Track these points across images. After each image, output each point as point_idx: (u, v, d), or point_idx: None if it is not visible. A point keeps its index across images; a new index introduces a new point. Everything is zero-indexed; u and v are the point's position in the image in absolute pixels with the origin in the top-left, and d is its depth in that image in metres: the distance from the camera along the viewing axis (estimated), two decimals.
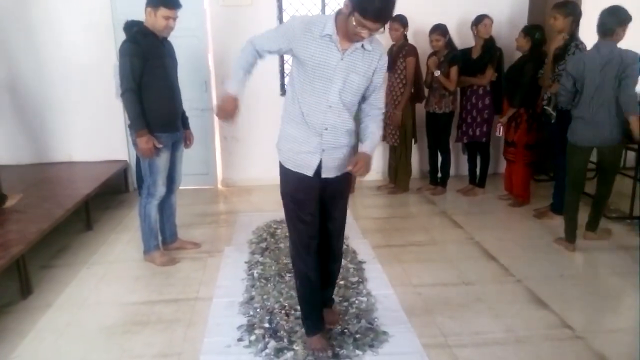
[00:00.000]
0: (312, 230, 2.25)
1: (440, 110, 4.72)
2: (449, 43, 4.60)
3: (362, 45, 2.03)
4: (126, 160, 5.09)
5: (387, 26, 2.03)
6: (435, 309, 2.77)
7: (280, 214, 4.26)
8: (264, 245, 3.63)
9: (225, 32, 5.02)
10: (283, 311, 2.70)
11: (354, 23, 1.90)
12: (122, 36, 3.15)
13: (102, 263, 3.47)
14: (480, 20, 4.52)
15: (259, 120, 5.23)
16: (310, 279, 2.29)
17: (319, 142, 2.13)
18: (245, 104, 5.12)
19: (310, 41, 2.02)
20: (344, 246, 3.51)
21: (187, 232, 3.87)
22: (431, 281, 3.11)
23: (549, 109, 4.01)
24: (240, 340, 2.48)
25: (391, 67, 4.71)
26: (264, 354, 2.36)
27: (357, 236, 3.82)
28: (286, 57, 5.22)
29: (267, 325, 2.58)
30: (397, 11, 4.63)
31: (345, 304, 2.78)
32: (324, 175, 2.18)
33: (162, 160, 3.23)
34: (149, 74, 3.07)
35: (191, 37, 4.85)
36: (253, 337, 2.48)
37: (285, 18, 5.12)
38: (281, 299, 2.83)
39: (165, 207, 3.49)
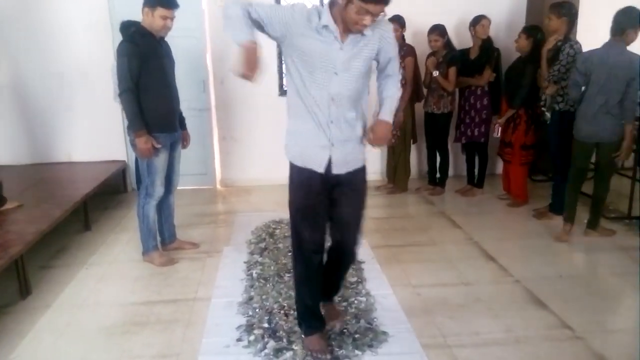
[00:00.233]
0: (316, 244, 2.20)
1: (439, 110, 4.72)
2: (448, 44, 4.61)
3: (362, 33, 1.96)
4: (125, 161, 5.08)
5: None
6: (434, 309, 2.77)
7: (279, 214, 4.30)
8: (262, 245, 3.63)
9: (223, 32, 5.00)
10: (282, 311, 2.70)
11: (355, 11, 1.83)
12: (121, 36, 3.15)
13: (101, 263, 3.46)
14: (478, 21, 4.52)
15: (257, 121, 5.23)
16: (310, 279, 2.28)
17: (327, 136, 2.06)
18: (243, 105, 5.18)
19: (310, 32, 1.96)
20: None
21: (186, 232, 3.87)
22: (430, 281, 3.12)
23: (544, 110, 4.02)
24: (239, 340, 2.48)
25: None
26: (263, 354, 2.35)
27: None
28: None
29: (266, 325, 2.58)
30: (395, 12, 4.68)
31: (345, 304, 2.78)
32: (335, 172, 2.10)
33: (161, 161, 3.23)
34: (146, 74, 3.06)
35: (189, 38, 4.84)
36: (252, 337, 2.48)
37: None
38: (280, 299, 2.83)
39: (164, 207, 3.48)
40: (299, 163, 2.13)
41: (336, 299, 2.80)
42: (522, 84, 4.17)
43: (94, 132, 5.03)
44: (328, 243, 2.31)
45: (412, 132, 4.88)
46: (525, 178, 4.61)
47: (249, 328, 2.56)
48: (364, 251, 3.51)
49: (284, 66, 5.18)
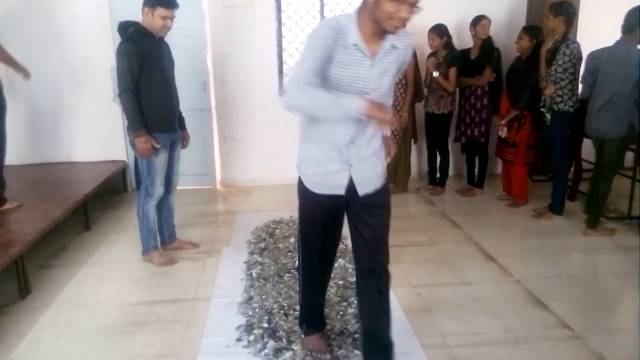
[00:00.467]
0: (326, 255, 2.19)
1: (439, 110, 4.72)
2: (448, 44, 4.60)
3: (392, 45, 1.80)
4: (125, 161, 5.08)
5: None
6: (434, 309, 2.77)
7: (279, 214, 4.31)
8: (262, 245, 3.63)
9: (224, 32, 5.02)
10: (282, 311, 2.70)
11: (390, 9, 1.65)
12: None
13: (100, 263, 3.46)
14: (478, 21, 4.52)
15: (257, 121, 5.23)
16: (316, 284, 2.28)
17: (345, 158, 1.92)
18: (244, 105, 5.18)
19: (338, 54, 1.76)
20: (343, 246, 3.54)
21: (186, 232, 3.87)
22: (430, 281, 3.12)
23: (544, 111, 4.03)
24: (239, 340, 2.48)
25: None
26: (262, 354, 2.35)
27: None
28: (285, 56, 5.23)
29: (265, 325, 2.58)
30: None
31: (344, 303, 2.78)
32: (362, 192, 1.95)
33: (160, 161, 3.23)
34: (146, 74, 3.06)
35: (190, 38, 4.84)
36: (252, 337, 2.48)
37: (284, 18, 5.12)
38: (280, 299, 2.83)
39: (164, 207, 3.48)
40: (319, 191, 1.99)
41: (335, 298, 2.80)
42: (528, 84, 4.16)
43: (94, 132, 5.03)
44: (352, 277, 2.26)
45: (412, 132, 4.88)
46: (527, 178, 4.62)
47: (249, 328, 2.56)
48: None
49: (284, 66, 5.25)
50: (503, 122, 4.42)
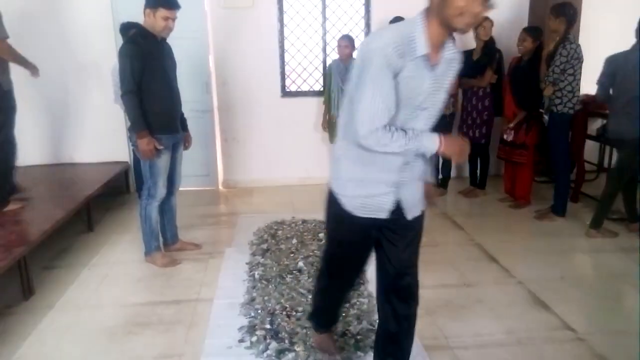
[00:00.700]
0: (354, 274, 2.14)
1: (442, 112, 4.72)
2: None
3: (449, 56, 1.67)
4: (127, 162, 5.09)
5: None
6: (436, 311, 2.77)
7: (281, 215, 4.31)
8: (265, 246, 3.63)
9: (225, 33, 5.03)
10: (284, 312, 2.70)
11: (460, 3, 1.49)
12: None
13: (103, 264, 3.47)
14: (480, 23, 4.52)
15: (259, 122, 5.24)
16: (335, 294, 2.25)
17: (394, 180, 1.76)
18: (246, 106, 5.19)
19: (406, 66, 1.58)
20: None
21: (188, 233, 3.87)
22: (432, 283, 3.11)
23: (542, 112, 4.03)
24: (241, 341, 2.48)
25: None
26: (265, 355, 2.36)
27: None
28: (287, 57, 5.23)
29: (268, 326, 2.58)
30: (397, 13, 4.68)
31: (347, 305, 2.78)
32: (410, 217, 1.83)
33: (163, 162, 3.23)
34: (148, 76, 3.07)
35: (192, 39, 4.85)
36: (254, 339, 2.48)
37: (286, 19, 5.13)
38: (282, 300, 2.83)
39: (166, 208, 3.49)
40: (359, 213, 1.81)
41: None
42: (533, 86, 4.15)
43: (96, 134, 5.04)
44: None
45: None
46: (532, 179, 4.61)
47: (251, 329, 2.57)
48: None
49: (286, 68, 5.26)
50: (511, 125, 4.39)
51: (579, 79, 3.89)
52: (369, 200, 1.79)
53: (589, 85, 4.41)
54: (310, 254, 3.44)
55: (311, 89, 5.34)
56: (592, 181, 5.04)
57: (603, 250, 3.60)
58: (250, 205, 4.78)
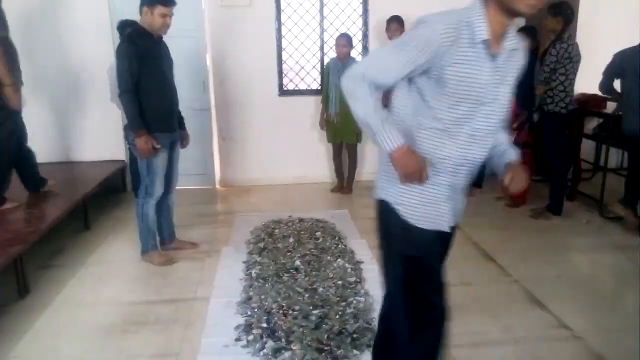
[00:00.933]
0: (436, 308, 1.67)
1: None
2: None
3: (512, 47, 1.51)
4: (124, 160, 5.08)
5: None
6: None
7: (278, 214, 4.31)
8: (262, 245, 3.63)
9: (223, 32, 5.02)
10: (281, 311, 2.70)
11: None
12: (119, 36, 3.15)
13: (99, 263, 3.46)
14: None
15: (257, 121, 5.24)
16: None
17: (450, 184, 1.58)
18: (243, 105, 5.19)
19: (457, 52, 1.42)
20: (343, 246, 3.54)
21: (185, 232, 3.87)
22: None
23: (534, 110, 4.05)
24: (238, 340, 2.48)
25: None
26: (261, 354, 2.35)
27: (355, 236, 3.82)
28: (285, 56, 5.23)
29: (264, 325, 2.58)
30: (395, 11, 4.67)
31: (343, 303, 2.78)
32: (452, 224, 1.65)
33: (160, 161, 3.23)
34: (146, 75, 3.07)
35: (189, 38, 4.84)
36: (251, 337, 2.48)
37: (283, 18, 5.12)
38: (279, 299, 2.83)
39: (163, 207, 3.48)
40: (424, 225, 1.59)
41: (334, 298, 2.80)
42: (532, 85, 4.17)
43: (93, 132, 5.03)
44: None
45: None
46: (530, 179, 4.62)
47: (248, 328, 2.57)
48: (363, 251, 3.51)
49: (284, 66, 5.25)
50: (514, 126, 4.39)
51: (572, 79, 3.89)
52: (433, 208, 1.58)
53: (585, 84, 4.43)
54: (307, 252, 3.44)
55: (309, 88, 5.34)
56: (589, 180, 5.05)
57: (599, 249, 3.61)
58: (247, 204, 4.78)
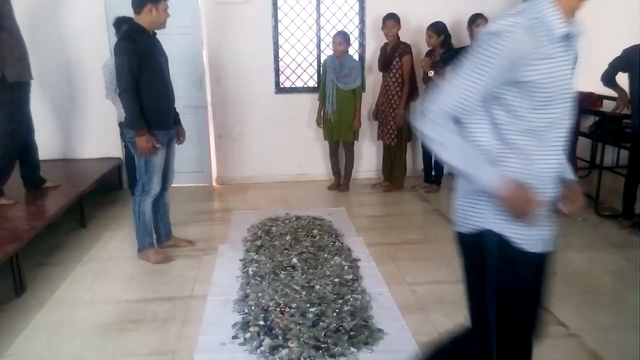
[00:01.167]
0: (530, 347, 1.53)
1: None
2: (446, 42, 4.60)
3: (576, 32, 1.35)
4: (120, 158, 5.06)
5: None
6: (429, 307, 2.78)
7: (275, 211, 4.32)
8: (258, 243, 3.63)
9: (219, 29, 5.01)
10: (278, 309, 2.70)
11: None
12: (115, 33, 3.14)
13: (96, 261, 3.46)
14: (474, 20, 4.53)
15: (253, 118, 5.23)
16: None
17: (552, 195, 1.46)
18: (240, 102, 5.18)
19: (539, 53, 1.28)
20: (339, 244, 3.55)
21: (182, 230, 3.86)
22: (425, 279, 3.13)
23: None
24: (235, 338, 2.48)
25: (386, 66, 4.73)
26: (258, 351, 2.36)
27: (352, 234, 3.82)
28: (281, 53, 5.22)
29: (262, 322, 2.58)
30: (391, 9, 4.67)
31: (340, 301, 2.78)
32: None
33: (159, 159, 3.22)
34: (145, 72, 3.06)
35: (185, 35, 4.83)
36: (248, 335, 2.48)
37: (280, 15, 5.11)
38: (276, 297, 2.83)
39: (159, 204, 3.48)
40: (539, 248, 1.47)
41: (331, 296, 2.81)
42: None
43: (89, 130, 5.01)
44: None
45: (407, 131, 4.88)
46: None
47: (245, 325, 2.57)
48: (360, 249, 3.52)
49: (280, 64, 5.25)
50: None
51: None
52: (545, 229, 1.43)
53: (582, 82, 4.43)
54: (304, 250, 3.44)
55: (305, 85, 5.34)
56: (585, 178, 5.07)
57: (595, 247, 3.62)
58: (244, 201, 4.78)
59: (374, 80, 5.22)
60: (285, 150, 5.35)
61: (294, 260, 3.29)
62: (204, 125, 5.16)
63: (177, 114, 3.46)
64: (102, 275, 3.24)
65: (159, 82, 3.15)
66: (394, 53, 4.64)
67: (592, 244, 3.66)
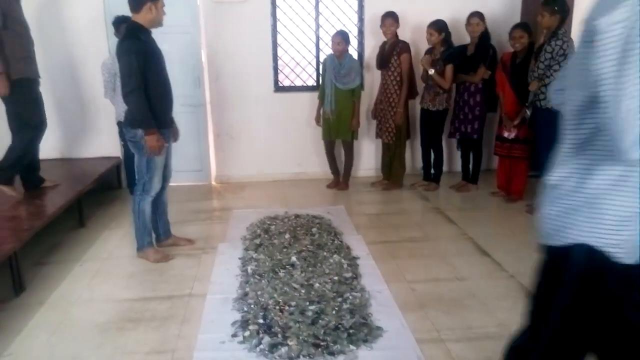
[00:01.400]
0: None
1: (434, 107, 4.73)
2: (446, 40, 4.60)
3: None
4: (119, 157, 5.06)
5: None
6: (428, 305, 2.78)
7: (274, 210, 4.32)
8: (257, 241, 3.63)
9: (218, 28, 5.00)
10: (277, 307, 2.70)
11: None
12: (113, 32, 3.13)
13: (95, 260, 3.45)
14: (470, 19, 4.53)
15: (252, 117, 5.23)
16: None
17: None
18: (238, 101, 5.18)
19: None
20: (339, 242, 3.55)
21: (181, 228, 3.86)
22: (425, 277, 3.13)
23: (526, 106, 4.05)
24: (234, 336, 2.48)
25: (385, 64, 4.73)
26: (258, 349, 2.36)
27: (351, 232, 3.83)
28: (280, 52, 5.21)
29: (261, 321, 2.58)
30: (390, 8, 4.66)
31: (340, 299, 2.78)
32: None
33: (161, 157, 3.22)
34: (148, 71, 3.04)
35: (184, 33, 4.83)
36: (247, 333, 2.48)
37: (279, 14, 5.10)
38: (275, 295, 2.83)
39: (158, 203, 3.48)
40: (633, 259, 1.29)
41: (330, 294, 2.81)
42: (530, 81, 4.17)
43: (87, 129, 5.01)
44: None
45: (406, 129, 4.88)
46: (528, 175, 4.62)
47: (244, 324, 2.57)
48: (359, 247, 3.52)
49: (279, 62, 5.24)
50: (515, 122, 4.36)
51: None
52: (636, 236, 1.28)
53: None
54: (303, 248, 3.44)
55: (304, 84, 5.33)
56: None
57: None
58: (243, 200, 4.78)
59: (372, 78, 5.22)
60: (284, 148, 5.35)
61: (293, 258, 3.29)
62: (203, 124, 5.16)
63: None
64: (101, 274, 3.24)
65: (161, 81, 3.15)
66: (392, 51, 4.64)
67: None
